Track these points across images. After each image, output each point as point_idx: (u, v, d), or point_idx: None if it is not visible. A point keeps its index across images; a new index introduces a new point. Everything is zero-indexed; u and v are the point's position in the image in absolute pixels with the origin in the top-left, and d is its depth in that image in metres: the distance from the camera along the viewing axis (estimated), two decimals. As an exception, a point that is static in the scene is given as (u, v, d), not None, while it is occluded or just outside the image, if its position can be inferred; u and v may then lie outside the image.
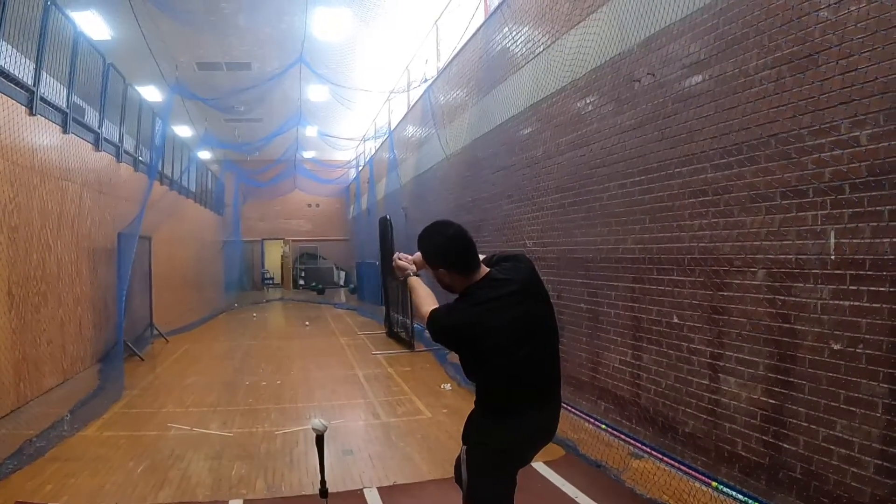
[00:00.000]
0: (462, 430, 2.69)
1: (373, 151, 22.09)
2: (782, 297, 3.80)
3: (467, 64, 10.39)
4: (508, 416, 2.51)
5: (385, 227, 14.33)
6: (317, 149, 25.11)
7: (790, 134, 3.69)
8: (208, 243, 21.05)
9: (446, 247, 2.54)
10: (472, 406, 2.64)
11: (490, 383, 2.53)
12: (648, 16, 5.06)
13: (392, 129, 17.85)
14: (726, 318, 4.29)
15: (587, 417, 6.08)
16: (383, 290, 14.72)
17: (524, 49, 7.80)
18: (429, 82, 13.21)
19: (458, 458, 2.62)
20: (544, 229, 6.96)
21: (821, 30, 3.49)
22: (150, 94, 15.12)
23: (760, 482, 3.95)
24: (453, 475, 2.77)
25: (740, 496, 4.01)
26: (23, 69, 7.13)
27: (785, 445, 3.77)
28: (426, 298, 2.57)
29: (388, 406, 7.42)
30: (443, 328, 2.47)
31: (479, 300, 2.44)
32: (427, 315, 2.47)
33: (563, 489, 4.64)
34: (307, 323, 17.08)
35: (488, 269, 2.54)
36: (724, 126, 4.24)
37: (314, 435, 3.09)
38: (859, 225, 3.29)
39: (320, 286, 27.99)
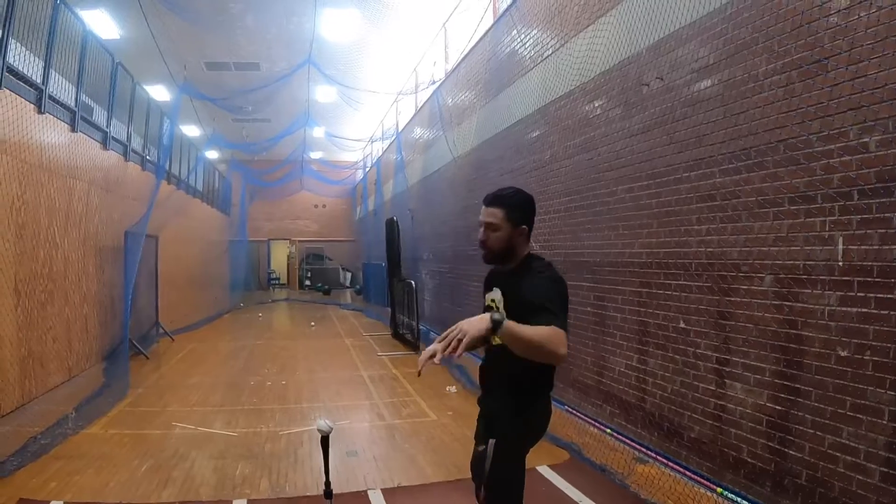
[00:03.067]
0: (481, 427, 2.68)
1: (380, 153, 22.12)
2: (789, 303, 3.78)
3: (475, 66, 10.39)
4: (547, 396, 2.61)
5: (392, 228, 14.37)
6: (324, 149, 25.16)
7: (799, 139, 3.67)
8: (215, 243, 21.10)
9: (533, 206, 2.62)
10: (493, 401, 2.65)
11: None
12: (657, 20, 5.05)
13: (399, 130, 17.86)
14: (733, 323, 4.27)
15: (592, 421, 6.07)
16: (389, 292, 14.73)
17: (532, 52, 7.80)
18: (437, 84, 13.22)
19: (480, 454, 2.57)
20: (552, 232, 6.95)
21: (830, 35, 3.47)
22: (159, 93, 15.17)
23: (765, 488, 3.93)
24: (471, 475, 2.71)
25: (745, 502, 4.00)
26: (32, 67, 7.17)
27: (790, 452, 3.75)
28: (538, 330, 2.12)
29: (392, 408, 7.42)
30: (564, 294, 2.42)
31: (554, 267, 2.56)
32: (560, 332, 2.14)
33: (568, 493, 4.63)
34: (312, 323, 17.10)
35: None
36: (732, 131, 4.22)
37: (319, 435, 3.08)
38: (867, 231, 3.27)
39: (326, 287, 28.04)
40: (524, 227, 2.55)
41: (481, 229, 2.61)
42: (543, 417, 2.63)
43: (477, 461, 2.58)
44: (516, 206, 2.56)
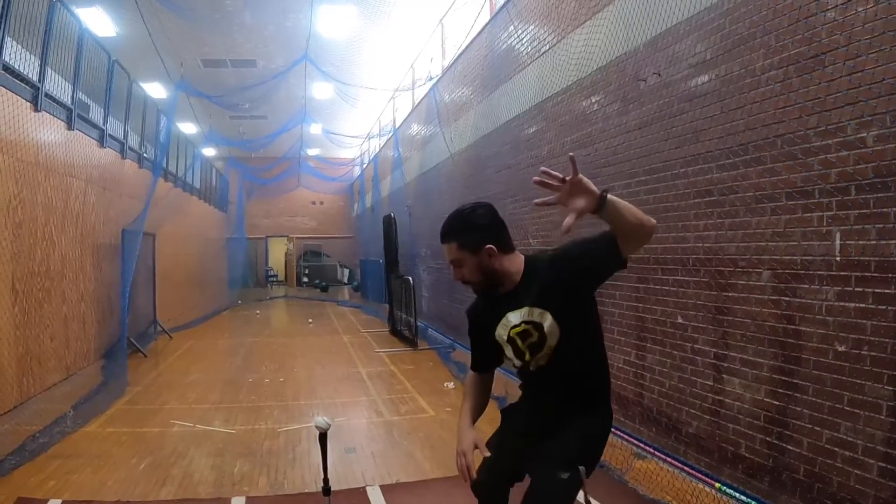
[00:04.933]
0: (576, 448, 2.39)
1: (377, 149, 22.08)
2: (787, 298, 3.78)
3: (472, 62, 10.37)
4: None
5: (389, 224, 14.37)
6: (321, 146, 25.12)
7: (796, 134, 3.67)
8: (212, 240, 21.07)
9: (490, 217, 2.39)
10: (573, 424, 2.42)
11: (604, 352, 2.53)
12: (655, 15, 5.04)
13: (397, 127, 17.84)
14: (731, 318, 4.27)
15: (590, 417, 6.06)
16: (387, 288, 14.73)
17: (529, 48, 7.78)
18: (434, 80, 13.20)
19: (567, 481, 2.30)
20: (549, 228, 6.94)
21: (828, 30, 3.47)
22: (155, 91, 15.12)
23: (763, 483, 3.94)
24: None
25: (743, 497, 4.00)
26: (28, 65, 7.14)
27: (788, 447, 3.75)
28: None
29: (391, 404, 7.43)
30: None
31: None
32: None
33: (566, 489, 4.63)
34: (310, 320, 17.10)
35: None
36: (729, 126, 4.22)
37: (317, 432, 3.08)
38: (865, 226, 3.26)
39: (324, 284, 28.05)
40: (488, 246, 2.34)
41: (451, 269, 2.46)
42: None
43: (566, 488, 2.31)
44: (466, 232, 2.37)
